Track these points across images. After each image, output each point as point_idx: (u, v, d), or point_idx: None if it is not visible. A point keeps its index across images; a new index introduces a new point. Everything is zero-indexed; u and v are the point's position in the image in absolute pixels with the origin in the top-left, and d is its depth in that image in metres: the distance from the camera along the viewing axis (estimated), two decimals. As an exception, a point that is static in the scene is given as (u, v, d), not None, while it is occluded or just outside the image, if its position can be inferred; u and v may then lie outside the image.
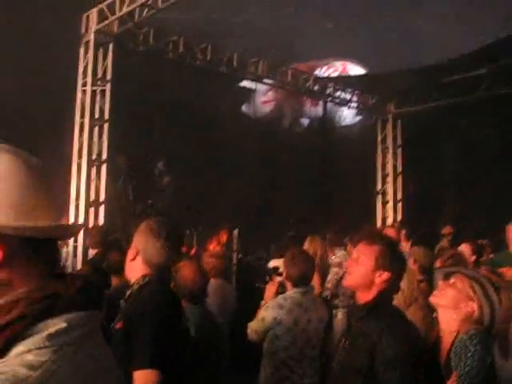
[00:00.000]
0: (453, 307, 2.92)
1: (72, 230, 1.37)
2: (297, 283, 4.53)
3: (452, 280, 2.99)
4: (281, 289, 4.98)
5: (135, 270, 3.02)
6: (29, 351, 1.09)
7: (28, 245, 1.21)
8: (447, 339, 2.92)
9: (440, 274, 3.09)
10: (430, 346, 3.04)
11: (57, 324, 1.14)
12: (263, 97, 19.25)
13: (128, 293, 2.99)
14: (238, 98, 18.75)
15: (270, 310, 4.44)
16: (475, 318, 2.87)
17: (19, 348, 1.10)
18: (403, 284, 4.27)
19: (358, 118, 19.38)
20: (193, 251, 10.82)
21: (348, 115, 19.22)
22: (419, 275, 5.34)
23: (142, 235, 3.05)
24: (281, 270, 5.25)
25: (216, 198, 15.90)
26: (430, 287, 5.27)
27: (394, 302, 4.22)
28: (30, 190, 1.23)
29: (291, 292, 4.54)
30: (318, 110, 19.51)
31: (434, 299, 3.08)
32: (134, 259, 3.03)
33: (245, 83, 18.08)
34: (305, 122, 20.04)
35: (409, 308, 4.27)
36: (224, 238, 11.88)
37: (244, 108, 19.15)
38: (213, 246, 11.43)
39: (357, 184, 16.87)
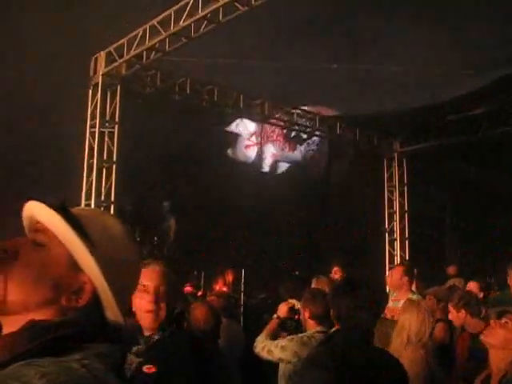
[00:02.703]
0: (503, 347, 2.86)
1: None
2: (322, 321, 4.49)
3: (504, 320, 2.93)
4: (282, 325, 4.95)
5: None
6: (82, 359, 1.21)
7: None
8: (495, 378, 2.86)
9: (493, 313, 3.05)
10: None
11: (99, 348, 1.28)
12: (246, 141, 19.77)
13: (154, 339, 2.92)
14: (226, 141, 19.20)
15: (293, 343, 4.38)
16: None
17: (73, 356, 1.21)
18: (414, 320, 4.23)
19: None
20: (200, 292, 10.76)
21: (323, 155, 19.77)
22: (439, 315, 5.30)
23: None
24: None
25: (220, 240, 15.90)
26: (450, 328, 5.25)
27: (400, 337, 4.19)
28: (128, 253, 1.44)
29: (314, 331, 4.49)
30: (296, 155, 20.09)
31: (484, 338, 3.03)
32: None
33: (232, 127, 18.61)
34: (283, 165, 20.49)
35: (408, 345, 4.18)
36: (230, 278, 11.82)
37: (229, 152, 19.62)
38: (219, 287, 11.36)
39: (359, 222, 16.87)
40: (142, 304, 2.95)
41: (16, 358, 1.17)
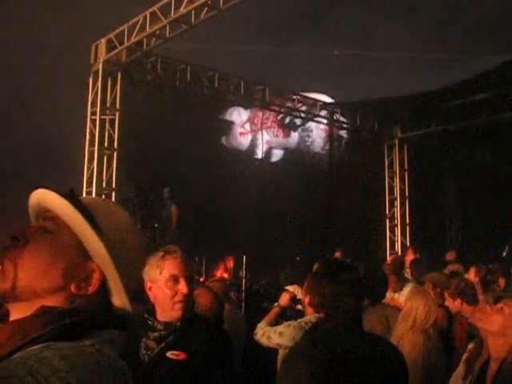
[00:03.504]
0: (501, 334, 2.86)
1: None
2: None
3: (499, 305, 2.93)
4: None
5: None
6: (94, 344, 1.23)
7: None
8: (494, 364, 2.87)
9: (490, 299, 3.03)
10: None
11: (108, 335, 1.30)
12: (240, 128, 19.74)
13: (176, 326, 2.92)
14: (221, 129, 19.22)
15: (291, 329, 4.37)
16: None
17: (85, 342, 1.23)
18: (421, 308, 4.25)
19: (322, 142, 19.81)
20: (202, 279, 10.80)
21: (318, 141, 19.75)
22: (439, 300, 5.33)
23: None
24: (298, 296, 5.22)
25: (221, 226, 15.93)
26: (449, 313, 5.28)
27: (404, 321, 4.23)
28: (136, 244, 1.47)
29: (312, 316, 4.49)
30: (290, 142, 20.06)
31: (482, 325, 3.02)
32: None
33: (226, 115, 18.63)
34: (277, 153, 20.47)
35: (411, 329, 4.20)
36: (230, 264, 11.84)
37: (223, 140, 19.60)
38: (219, 273, 11.39)
39: (360, 208, 16.88)
40: (175, 293, 2.92)
41: (30, 342, 1.20)
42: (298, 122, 18.33)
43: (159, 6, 9.34)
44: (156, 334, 2.89)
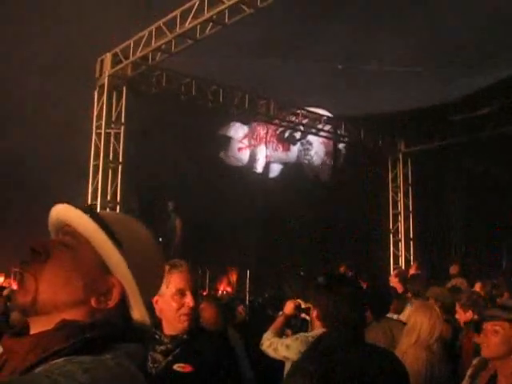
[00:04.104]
0: (507, 354, 2.89)
1: None
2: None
3: (488, 327, 2.96)
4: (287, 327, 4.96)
5: None
6: (115, 358, 1.23)
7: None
8: (505, 381, 2.89)
9: (471, 328, 3.07)
10: None
11: (127, 348, 1.30)
12: (239, 143, 19.73)
13: (183, 339, 2.91)
14: (219, 144, 19.25)
15: (298, 342, 4.36)
16: None
17: (106, 355, 1.23)
18: (426, 323, 4.24)
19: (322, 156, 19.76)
20: (205, 292, 10.81)
21: (319, 154, 19.73)
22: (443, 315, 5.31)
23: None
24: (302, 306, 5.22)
25: (225, 240, 15.96)
26: (453, 328, 5.25)
27: (409, 336, 4.22)
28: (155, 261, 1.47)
29: (320, 331, 4.47)
30: (289, 156, 20.01)
31: (487, 354, 3.04)
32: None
33: (224, 130, 18.67)
34: (276, 167, 20.44)
35: (415, 344, 4.20)
36: (233, 277, 11.84)
37: (221, 155, 19.59)
38: (223, 287, 11.39)
39: (364, 222, 16.86)
40: (181, 306, 2.92)
41: (51, 355, 1.21)
42: (297, 135, 18.33)
43: (165, 21, 9.41)
44: (163, 347, 2.90)
